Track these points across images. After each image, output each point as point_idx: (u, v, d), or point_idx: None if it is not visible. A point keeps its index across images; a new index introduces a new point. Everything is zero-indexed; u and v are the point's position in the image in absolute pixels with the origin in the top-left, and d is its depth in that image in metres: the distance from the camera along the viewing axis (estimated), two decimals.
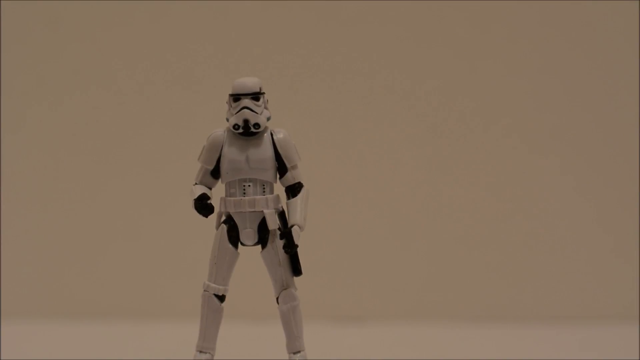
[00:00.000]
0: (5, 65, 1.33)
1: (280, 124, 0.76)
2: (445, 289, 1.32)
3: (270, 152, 0.74)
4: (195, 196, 0.73)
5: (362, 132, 1.33)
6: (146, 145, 1.33)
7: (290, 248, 0.73)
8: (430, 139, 1.33)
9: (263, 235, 0.74)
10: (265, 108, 0.74)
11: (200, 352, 0.75)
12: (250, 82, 0.73)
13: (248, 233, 0.73)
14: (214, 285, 0.74)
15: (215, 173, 0.74)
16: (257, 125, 0.72)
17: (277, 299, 0.75)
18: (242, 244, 0.74)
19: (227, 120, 0.73)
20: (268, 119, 0.74)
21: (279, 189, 0.75)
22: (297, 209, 0.74)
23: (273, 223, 0.73)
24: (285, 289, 0.74)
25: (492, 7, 1.32)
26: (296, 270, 0.74)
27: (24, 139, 1.34)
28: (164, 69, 1.33)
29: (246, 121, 0.72)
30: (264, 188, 0.73)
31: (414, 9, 1.32)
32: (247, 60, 1.32)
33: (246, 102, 0.72)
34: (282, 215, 0.74)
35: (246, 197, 0.73)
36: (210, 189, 0.75)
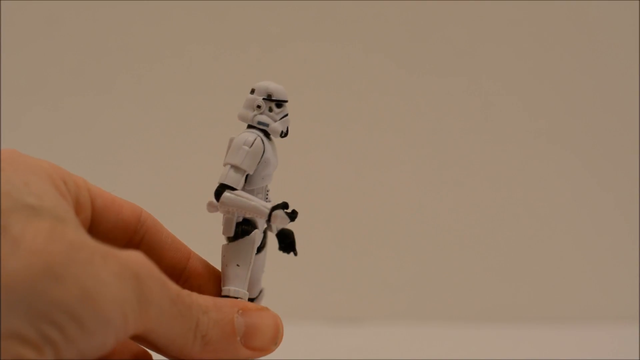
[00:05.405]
0: (5, 65, 1.33)
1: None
2: (444, 290, 1.32)
3: None
4: (271, 205, 0.69)
5: (359, 136, 1.33)
6: (145, 147, 1.33)
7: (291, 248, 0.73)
8: (427, 141, 1.33)
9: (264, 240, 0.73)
10: None
11: None
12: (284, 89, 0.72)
13: (261, 238, 0.73)
14: (243, 291, 0.71)
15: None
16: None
17: (255, 299, 0.74)
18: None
19: (266, 125, 0.71)
20: None
21: None
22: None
23: (275, 227, 0.73)
24: (262, 289, 0.74)
25: (492, 7, 1.32)
26: (293, 250, 0.74)
27: (24, 140, 1.34)
28: (163, 70, 1.34)
29: (288, 128, 0.72)
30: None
31: (414, 10, 1.32)
32: (243, 62, 1.32)
33: (287, 108, 0.72)
34: None
35: (270, 203, 0.72)
36: None
